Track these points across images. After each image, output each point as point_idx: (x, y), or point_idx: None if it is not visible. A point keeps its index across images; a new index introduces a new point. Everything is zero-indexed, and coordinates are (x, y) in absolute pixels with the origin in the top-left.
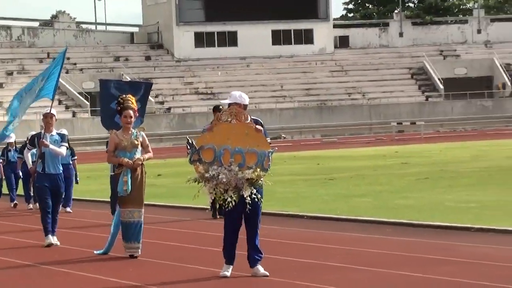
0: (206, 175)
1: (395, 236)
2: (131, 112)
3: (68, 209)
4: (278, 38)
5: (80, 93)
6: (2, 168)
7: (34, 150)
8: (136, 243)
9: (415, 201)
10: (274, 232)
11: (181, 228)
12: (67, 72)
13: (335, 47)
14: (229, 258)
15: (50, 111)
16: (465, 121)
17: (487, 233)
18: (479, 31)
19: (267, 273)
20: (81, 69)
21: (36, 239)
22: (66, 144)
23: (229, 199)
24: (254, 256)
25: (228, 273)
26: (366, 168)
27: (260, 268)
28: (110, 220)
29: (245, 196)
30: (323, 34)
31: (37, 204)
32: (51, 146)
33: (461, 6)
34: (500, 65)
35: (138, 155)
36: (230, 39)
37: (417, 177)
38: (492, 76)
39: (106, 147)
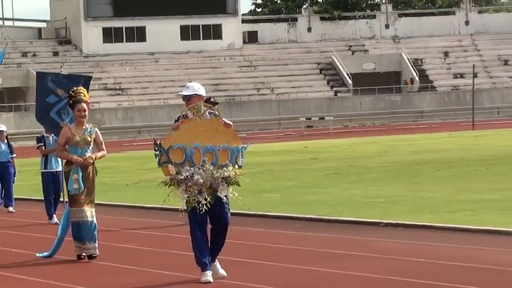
0: (180, 177)
1: (304, 232)
2: (84, 105)
3: (10, 208)
4: (187, 33)
5: None
6: None
7: None
8: (93, 243)
9: (324, 196)
10: (182, 228)
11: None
12: None
13: (244, 42)
14: (206, 263)
15: None
16: (373, 116)
17: (396, 227)
18: (387, 26)
19: (225, 274)
20: None
21: None
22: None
23: (203, 201)
24: (215, 252)
25: (211, 278)
26: (275, 164)
27: (219, 267)
28: (46, 219)
29: (221, 196)
30: (232, 29)
31: None
32: None
33: (369, 1)
34: (408, 60)
35: (89, 152)
36: (138, 35)
37: (326, 172)
38: (400, 72)
39: (37, 143)
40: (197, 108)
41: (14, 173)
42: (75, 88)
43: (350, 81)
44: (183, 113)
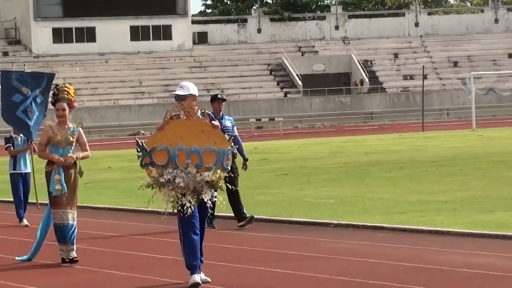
0: (161, 179)
1: (254, 232)
2: (64, 104)
3: None
4: (137, 34)
5: None
6: None
7: None
8: (72, 246)
9: (274, 197)
10: (131, 228)
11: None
12: None
13: (194, 43)
14: (196, 265)
15: None
16: (323, 117)
17: (346, 228)
18: (337, 28)
19: (208, 279)
20: None
21: None
22: None
23: (187, 204)
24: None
25: (199, 280)
26: None
27: (202, 274)
28: (17, 221)
29: (205, 200)
30: (182, 30)
31: None
32: None
33: (319, 3)
34: (358, 61)
35: (71, 152)
36: (88, 35)
37: (276, 173)
38: (350, 73)
39: (5, 143)
40: (190, 108)
41: None
42: (61, 84)
43: (300, 82)
44: (173, 114)
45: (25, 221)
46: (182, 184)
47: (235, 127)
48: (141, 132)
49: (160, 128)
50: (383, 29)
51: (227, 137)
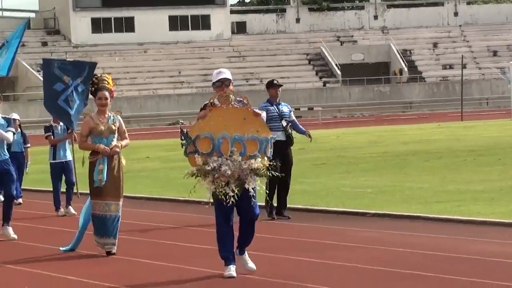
0: (207, 167)
1: (291, 222)
2: (106, 93)
3: (19, 200)
4: (175, 23)
5: None
6: None
7: None
8: (112, 239)
9: (312, 186)
10: (169, 217)
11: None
12: None
13: (232, 32)
14: (229, 257)
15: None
16: (362, 107)
17: (382, 218)
18: (375, 17)
19: (254, 268)
20: None
21: None
22: (13, 129)
23: (230, 193)
24: (244, 244)
25: (234, 273)
26: None
27: (248, 259)
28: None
29: (250, 188)
30: (220, 19)
31: None
32: None
33: None
34: (397, 51)
35: (115, 141)
36: (127, 25)
37: (314, 162)
38: (389, 62)
39: (45, 132)
40: (225, 96)
41: (26, 164)
42: (99, 74)
43: (339, 72)
44: (211, 101)
45: (62, 211)
46: (228, 172)
47: (292, 112)
48: (180, 121)
49: (202, 116)
50: (422, 18)
51: (285, 123)
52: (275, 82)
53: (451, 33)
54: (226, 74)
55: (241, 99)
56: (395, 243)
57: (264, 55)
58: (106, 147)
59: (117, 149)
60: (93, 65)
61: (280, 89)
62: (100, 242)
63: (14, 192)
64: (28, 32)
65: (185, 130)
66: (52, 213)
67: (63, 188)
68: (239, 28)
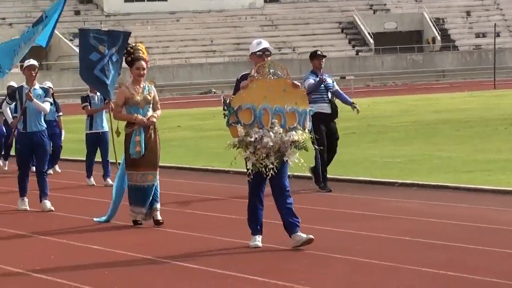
0: (249, 139)
1: (319, 191)
2: (143, 63)
3: (56, 168)
4: None
5: None
6: None
7: (13, 105)
8: (155, 207)
9: (340, 156)
10: (199, 187)
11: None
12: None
13: (265, 1)
14: (257, 227)
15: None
16: (395, 76)
17: (411, 188)
18: None
19: (311, 236)
20: (10, 24)
21: (31, 206)
22: (51, 100)
23: (270, 166)
24: (290, 221)
25: (259, 243)
26: None
27: (301, 234)
28: (99, 182)
29: (289, 161)
30: None
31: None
32: (35, 100)
33: None
34: (430, 19)
35: (150, 112)
36: None
37: (344, 132)
38: (422, 31)
39: (82, 103)
40: (265, 66)
41: (60, 132)
42: (133, 44)
43: (371, 40)
44: (251, 72)
45: (92, 180)
46: (270, 144)
47: (335, 82)
48: (213, 90)
49: (244, 87)
50: None
51: (331, 94)
52: (319, 52)
53: (484, 1)
54: (267, 44)
55: (280, 70)
56: (422, 213)
57: (296, 24)
58: (143, 118)
59: (154, 119)
60: (127, 34)
61: (324, 59)
62: (135, 211)
63: (46, 167)
64: None
65: (227, 100)
66: (98, 184)
67: (97, 159)
68: None
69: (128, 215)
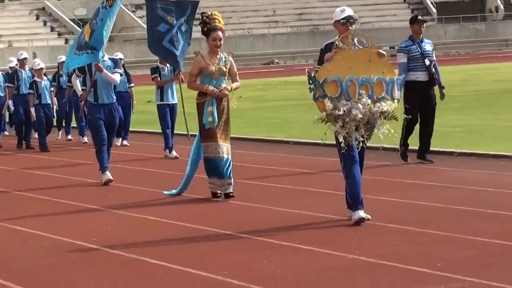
0: (337, 112)
1: (376, 161)
2: (219, 33)
3: (125, 142)
4: None
5: (72, 20)
6: (54, 97)
7: (81, 78)
8: (228, 179)
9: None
10: (259, 158)
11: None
12: None
13: None
14: (359, 200)
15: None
16: (458, 45)
17: (469, 157)
18: None
19: (369, 216)
20: None
21: (92, 177)
22: (121, 70)
23: (360, 138)
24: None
25: (364, 215)
26: None
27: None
28: (183, 155)
29: (379, 132)
30: None
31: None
32: (105, 71)
33: None
34: None
35: (225, 83)
36: None
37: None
38: (485, 0)
39: (152, 74)
40: (347, 36)
41: (132, 103)
42: (209, 13)
43: (434, 10)
44: (336, 43)
45: (174, 153)
46: (360, 116)
47: (434, 52)
48: (275, 61)
49: (328, 59)
50: None
51: (428, 62)
52: (419, 17)
53: None
54: (351, 11)
55: (365, 39)
56: (478, 182)
57: None
58: (215, 89)
59: (226, 92)
60: (195, 3)
61: (424, 25)
62: (215, 183)
63: (112, 140)
64: None
65: (312, 73)
66: (160, 156)
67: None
68: None
69: (207, 188)
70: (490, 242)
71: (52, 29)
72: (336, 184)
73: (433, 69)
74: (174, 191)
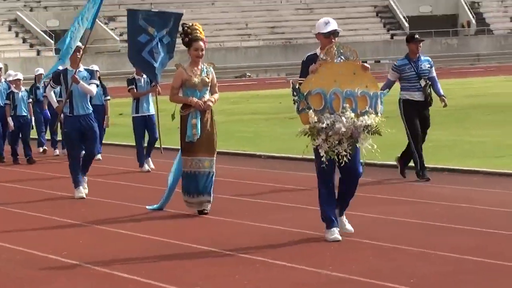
0: (321, 125)
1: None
2: (201, 44)
3: (98, 156)
4: None
5: (44, 31)
6: (31, 109)
7: (57, 89)
8: (207, 196)
9: (373, 140)
10: (230, 171)
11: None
12: (31, 10)
13: None
14: (332, 220)
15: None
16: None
17: (441, 172)
18: None
19: (352, 230)
20: (45, 7)
21: (69, 191)
22: (97, 82)
23: (343, 153)
24: (345, 205)
25: (338, 235)
26: None
27: (346, 221)
28: (158, 167)
29: (362, 146)
30: None
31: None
32: (82, 83)
33: None
34: (465, 3)
35: (208, 95)
36: None
37: None
38: (457, 14)
39: (128, 85)
40: (332, 49)
41: (106, 117)
42: (190, 24)
43: (406, 24)
44: (320, 56)
45: (146, 167)
46: (343, 130)
47: (433, 68)
48: (248, 74)
49: (313, 70)
50: None
51: (424, 82)
52: (417, 36)
53: None
54: (335, 25)
55: (349, 52)
56: (451, 197)
57: (331, 8)
58: (199, 101)
59: (210, 103)
60: (179, 16)
61: (421, 44)
62: (190, 201)
63: (96, 150)
64: None
65: (296, 85)
66: (135, 169)
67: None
68: None
69: (184, 205)
70: (464, 258)
71: (24, 40)
72: (309, 199)
73: (429, 90)
74: (156, 205)
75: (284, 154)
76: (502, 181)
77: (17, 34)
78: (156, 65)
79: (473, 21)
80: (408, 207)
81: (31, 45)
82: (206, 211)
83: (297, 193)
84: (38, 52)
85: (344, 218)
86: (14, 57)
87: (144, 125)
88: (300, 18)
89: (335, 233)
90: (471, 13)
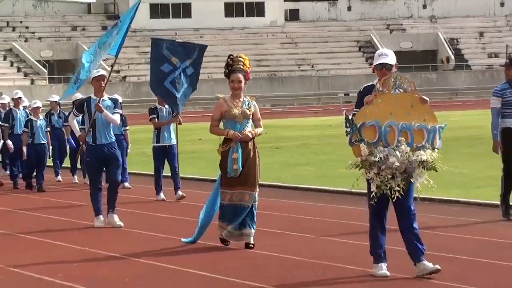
0: (373, 158)
1: (333, 204)
2: (240, 75)
3: (126, 184)
4: (231, 10)
5: (38, 61)
6: (49, 138)
7: (79, 117)
8: (249, 229)
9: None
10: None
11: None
12: (26, 41)
13: (286, 20)
14: (380, 255)
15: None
16: None
17: (422, 202)
18: (424, 6)
19: (438, 267)
20: (39, 38)
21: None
22: (120, 111)
23: (396, 188)
24: (415, 247)
25: (387, 271)
26: (312, 138)
27: (427, 263)
28: (171, 197)
29: (417, 183)
30: (274, 7)
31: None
32: (106, 112)
33: None
34: (445, 39)
35: (249, 127)
36: (184, 11)
37: None
38: (436, 50)
39: (149, 114)
40: (389, 80)
41: (127, 146)
42: (235, 55)
43: None
44: (376, 86)
45: (162, 195)
46: (396, 164)
47: None
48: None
49: (368, 102)
50: (469, 8)
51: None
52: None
53: (497, 23)
54: (388, 58)
55: (407, 84)
56: (432, 226)
57: (316, 42)
58: (237, 132)
59: (250, 134)
60: (203, 47)
61: None
62: (224, 227)
63: (119, 178)
64: (88, 16)
65: (349, 116)
66: (167, 199)
67: (165, 172)
68: (292, 15)
69: (218, 231)
70: (446, 284)
71: (19, 69)
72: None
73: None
74: (190, 238)
75: (271, 182)
76: (481, 211)
77: (12, 64)
78: (178, 95)
79: (452, 56)
80: (390, 235)
81: (26, 74)
82: (251, 245)
83: (284, 219)
84: (32, 81)
85: (424, 261)
86: (9, 85)
87: (164, 155)
88: (285, 51)
89: (383, 269)
90: (450, 49)
